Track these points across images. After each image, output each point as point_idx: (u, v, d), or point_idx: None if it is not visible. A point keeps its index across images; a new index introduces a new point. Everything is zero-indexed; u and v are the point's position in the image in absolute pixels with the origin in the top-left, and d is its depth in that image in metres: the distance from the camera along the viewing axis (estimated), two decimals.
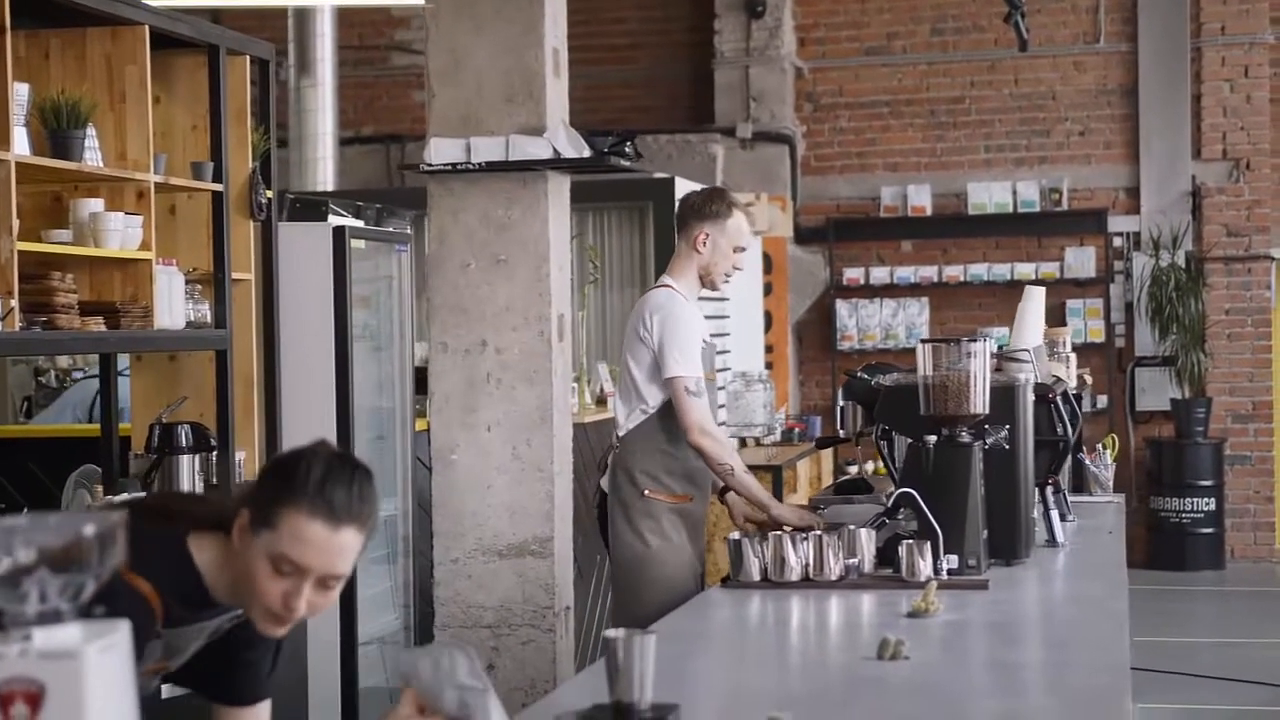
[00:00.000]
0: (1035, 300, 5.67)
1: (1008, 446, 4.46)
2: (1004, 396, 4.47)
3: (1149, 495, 12.25)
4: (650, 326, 5.08)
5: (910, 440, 4.44)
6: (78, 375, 8.54)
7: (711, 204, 5.23)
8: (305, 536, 2.54)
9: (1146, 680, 8.19)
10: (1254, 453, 12.38)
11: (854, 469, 10.74)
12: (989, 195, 12.56)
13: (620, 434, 5.21)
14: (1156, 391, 12.35)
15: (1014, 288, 11.25)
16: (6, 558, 1.74)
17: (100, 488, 5.53)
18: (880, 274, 12.67)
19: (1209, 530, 12.06)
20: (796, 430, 10.76)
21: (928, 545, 4.12)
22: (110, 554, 1.82)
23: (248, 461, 5.85)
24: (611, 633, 2.69)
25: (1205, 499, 12.03)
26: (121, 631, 1.82)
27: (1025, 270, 12.37)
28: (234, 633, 2.76)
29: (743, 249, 5.25)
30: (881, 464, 5.10)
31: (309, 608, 2.60)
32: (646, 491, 5.09)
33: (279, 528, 2.55)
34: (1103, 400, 12.34)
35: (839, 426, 5.13)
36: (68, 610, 1.79)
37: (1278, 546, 12.51)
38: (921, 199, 12.67)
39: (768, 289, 12.16)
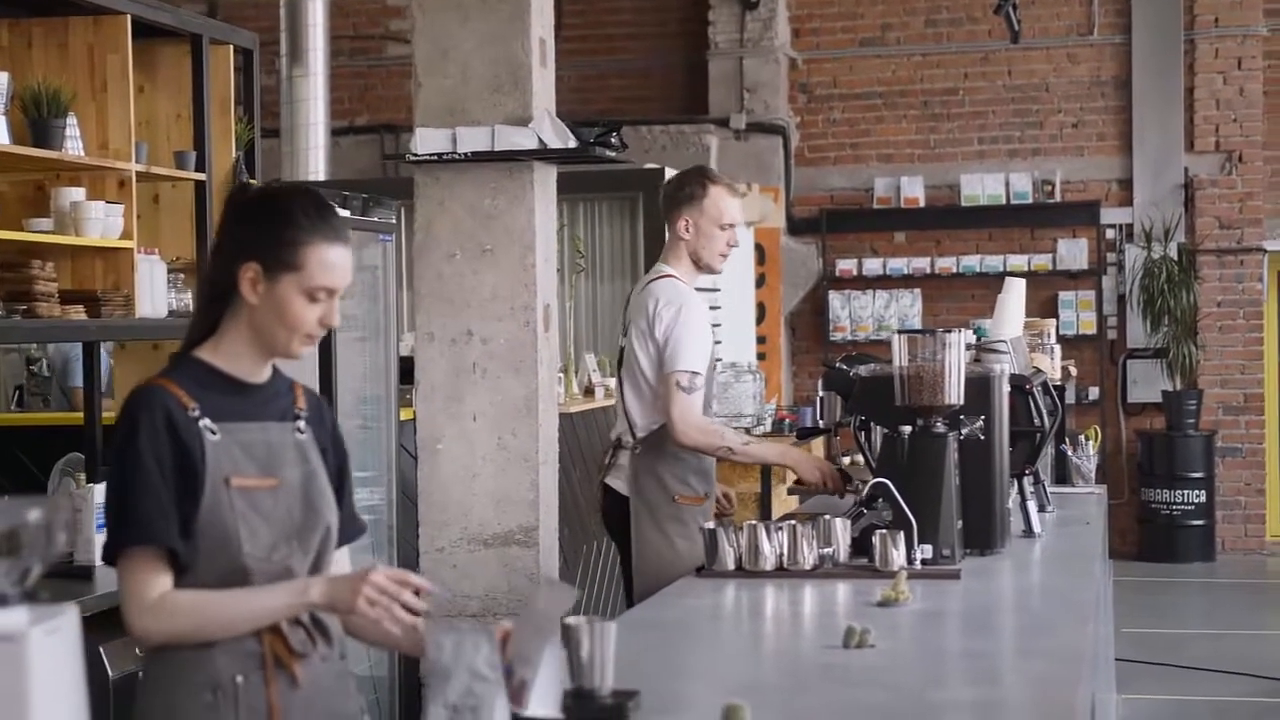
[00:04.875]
0: (1015, 292, 5.69)
1: (983, 437, 4.47)
2: (979, 387, 4.47)
3: (1140, 487, 12.27)
4: (661, 319, 5.01)
5: (886, 431, 4.45)
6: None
7: (685, 187, 5.15)
8: (331, 262, 2.84)
9: (1133, 671, 8.21)
10: (1245, 445, 12.40)
11: (847, 460, 10.73)
12: (982, 187, 12.57)
13: (639, 434, 5.12)
14: (1148, 383, 12.36)
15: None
16: None
17: (83, 475, 5.54)
18: (873, 265, 12.68)
19: (1200, 522, 12.08)
20: (788, 421, 10.75)
21: (901, 535, 4.14)
22: (55, 539, 1.84)
23: None
24: (572, 620, 2.72)
25: (1196, 491, 12.04)
26: (68, 615, 1.84)
27: (1018, 262, 12.37)
28: None
29: (730, 225, 5.13)
30: None
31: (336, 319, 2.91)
32: (677, 497, 5.04)
33: (305, 265, 2.82)
34: (1094, 392, 12.35)
35: (818, 417, 5.13)
36: (13, 594, 1.82)
37: (1268, 539, 12.54)
38: (915, 190, 12.68)
39: (761, 280, 12.18)
